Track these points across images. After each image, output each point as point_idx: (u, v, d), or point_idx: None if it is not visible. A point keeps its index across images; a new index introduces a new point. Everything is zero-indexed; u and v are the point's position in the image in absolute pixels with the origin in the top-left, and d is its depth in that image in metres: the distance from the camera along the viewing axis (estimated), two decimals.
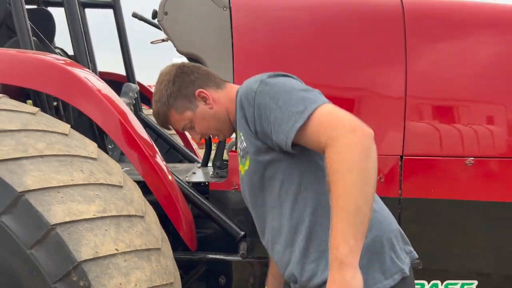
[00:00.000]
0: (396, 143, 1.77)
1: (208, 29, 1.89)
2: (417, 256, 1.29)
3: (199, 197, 1.82)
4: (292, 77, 1.22)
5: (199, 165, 2.43)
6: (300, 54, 1.85)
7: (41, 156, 1.16)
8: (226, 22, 1.85)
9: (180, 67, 1.36)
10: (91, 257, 1.08)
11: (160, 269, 1.28)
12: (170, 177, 1.72)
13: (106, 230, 1.16)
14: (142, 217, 1.33)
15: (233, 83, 1.79)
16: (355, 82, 1.81)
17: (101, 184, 1.25)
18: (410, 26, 1.75)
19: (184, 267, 1.84)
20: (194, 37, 1.90)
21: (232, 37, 1.83)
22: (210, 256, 1.86)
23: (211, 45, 1.89)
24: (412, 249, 1.29)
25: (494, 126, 1.78)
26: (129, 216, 1.26)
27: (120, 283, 1.12)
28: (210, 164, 2.41)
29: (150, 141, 1.75)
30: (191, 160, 2.58)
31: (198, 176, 2.14)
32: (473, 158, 1.75)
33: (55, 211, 1.07)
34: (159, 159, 1.73)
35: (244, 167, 1.30)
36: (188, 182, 1.92)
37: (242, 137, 1.26)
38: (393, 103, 1.77)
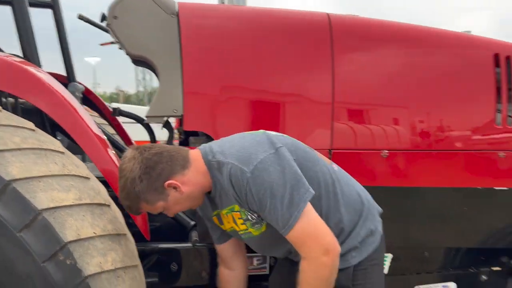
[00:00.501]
0: (325, 139, 2.06)
1: (157, 34, 2.02)
2: None
3: None
4: (281, 161, 1.34)
5: None
6: (242, 62, 2.06)
7: (19, 149, 1.24)
8: (175, 28, 2.00)
9: (143, 162, 1.34)
10: (75, 239, 1.19)
11: (128, 252, 1.41)
12: None
13: (83, 215, 1.27)
14: (109, 206, 1.45)
15: (182, 86, 1.96)
16: (292, 88, 2.06)
17: (73, 175, 1.35)
18: (336, 38, 2.05)
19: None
20: (144, 41, 2.02)
21: (180, 43, 1.99)
22: (162, 245, 1.99)
23: (160, 49, 2.02)
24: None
25: (403, 124, 2.14)
26: (100, 204, 1.38)
27: (100, 262, 1.24)
28: None
29: (104, 136, 1.84)
30: None
31: None
32: (387, 151, 2.09)
33: (40, 198, 1.17)
34: (113, 153, 1.83)
35: (259, 230, 1.47)
36: None
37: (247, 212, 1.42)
38: (323, 105, 2.05)
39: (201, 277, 2.07)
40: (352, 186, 1.62)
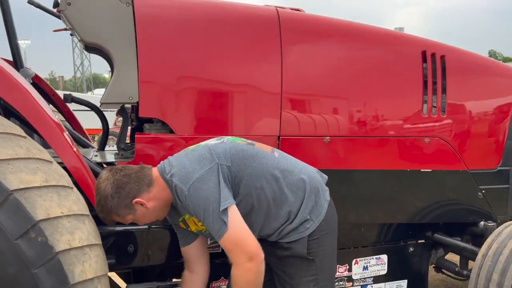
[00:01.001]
0: (274, 126, 2.22)
1: (112, 22, 2.06)
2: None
3: None
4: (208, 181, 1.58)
5: (95, 149, 2.55)
6: (195, 52, 2.15)
7: None
8: (130, 17, 2.06)
9: (114, 183, 1.61)
10: (45, 218, 1.26)
11: (92, 232, 1.50)
12: (81, 156, 1.87)
13: (51, 196, 1.33)
14: (72, 188, 1.51)
15: (138, 73, 2.02)
16: (243, 78, 2.19)
17: (38, 158, 1.40)
18: (284, 32, 2.21)
19: None
20: (98, 28, 2.05)
21: (135, 32, 2.05)
22: (119, 228, 2.06)
23: (115, 37, 2.07)
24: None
25: (343, 113, 2.35)
26: (64, 186, 1.44)
27: (68, 239, 1.32)
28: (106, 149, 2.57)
29: (59, 121, 1.87)
30: (85, 146, 2.67)
31: (103, 157, 2.29)
32: (329, 137, 2.30)
33: (10, 180, 1.22)
34: (69, 138, 1.86)
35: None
36: (97, 163, 2.08)
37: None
38: (273, 96, 2.21)
39: (156, 258, 2.17)
40: (293, 167, 1.81)
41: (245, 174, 1.67)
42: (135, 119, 2.51)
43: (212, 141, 1.77)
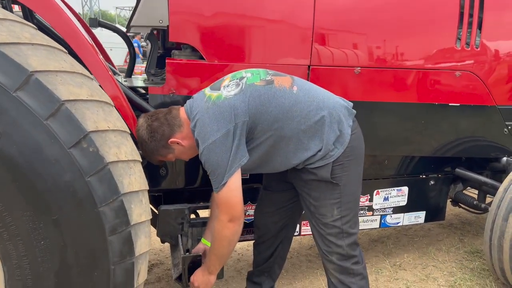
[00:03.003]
0: (305, 56, 2.19)
1: None
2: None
3: (142, 100, 2.01)
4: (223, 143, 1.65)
5: (122, 75, 2.55)
6: None
7: (32, 44, 1.27)
8: None
9: (148, 129, 1.78)
10: (94, 129, 1.29)
11: (134, 149, 1.53)
12: (115, 80, 1.88)
13: (97, 111, 1.35)
14: (113, 106, 1.53)
15: None
16: (274, 6, 2.11)
17: (81, 74, 1.40)
18: None
19: None
20: None
21: None
22: None
23: None
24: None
25: (375, 44, 2.30)
26: (106, 103, 1.46)
27: (116, 152, 1.35)
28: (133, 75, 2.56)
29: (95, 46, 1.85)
30: (113, 73, 2.67)
31: (134, 82, 2.30)
32: (359, 68, 2.27)
33: (61, 90, 1.23)
34: (104, 61, 1.86)
35: None
36: (129, 87, 2.09)
37: None
38: (304, 24, 2.15)
39: (186, 181, 2.25)
40: (311, 102, 1.78)
41: (260, 121, 1.69)
42: (160, 46, 2.49)
43: (232, 91, 1.72)
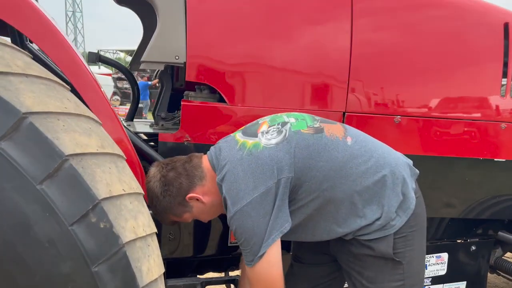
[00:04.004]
0: (340, 101, 1.90)
1: None
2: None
3: (152, 151, 1.65)
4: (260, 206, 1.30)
5: (123, 119, 2.19)
6: (258, 12, 1.81)
7: (26, 75, 0.91)
8: None
9: (161, 180, 1.42)
10: (107, 196, 0.91)
11: (150, 218, 1.15)
12: (123, 125, 1.53)
13: (109, 168, 0.98)
14: (125, 159, 1.16)
15: (186, 28, 1.67)
16: (306, 45, 1.84)
17: (88, 117, 1.05)
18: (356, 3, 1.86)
19: None
20: None
21: None
22: None
23: None
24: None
25: (416, 91, 2.04)
26: (119, 156, 1.09)
27: (133, 227, 0.97)
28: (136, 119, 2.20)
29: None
30: None
31: (137, 127, 1.94)
32: (400, 117, 1.99)
33: (64, 140, 0.86)
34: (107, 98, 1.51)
35: None
36: (135, 133, 1.73)
37: None
38: (340, 67, 1.87)
39: (199, 249, 1.86)
40: (370, 156, 1.44)
41: (307, 178, 1.36)
42: (170, 86, 2.16)
43: (273, 138, 1.38)
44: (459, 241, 2.39)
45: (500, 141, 2.18)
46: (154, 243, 1.10)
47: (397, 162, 1.47)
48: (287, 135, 1.38)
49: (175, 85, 2.10)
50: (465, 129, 2.13)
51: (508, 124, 2.17)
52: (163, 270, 1.14)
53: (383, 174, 1.41)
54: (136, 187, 1.09)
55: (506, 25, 2.12)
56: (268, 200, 1.29)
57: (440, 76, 2.07)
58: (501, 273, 2.60)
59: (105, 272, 0.87)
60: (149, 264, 1.00)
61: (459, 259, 2.36)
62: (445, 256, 2.32)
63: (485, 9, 2.17)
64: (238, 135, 1.45)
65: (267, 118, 1.50)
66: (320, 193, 1.37)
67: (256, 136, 1.39)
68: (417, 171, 1.56)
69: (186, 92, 1.89)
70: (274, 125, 1.43)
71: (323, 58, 1.87)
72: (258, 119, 1.55)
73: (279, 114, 1.54)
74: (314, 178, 1.36)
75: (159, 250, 1.14)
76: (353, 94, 1.91)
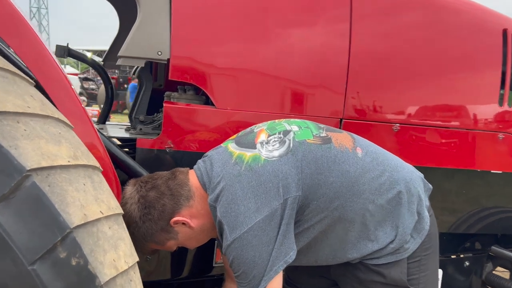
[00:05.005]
0: (337, 107, 1.76)
1: None
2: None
3: (128, 158, 1.43)
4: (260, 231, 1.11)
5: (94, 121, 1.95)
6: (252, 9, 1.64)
7: None
8: None
9: (140, 202, 1.18)
10: (82, 222, 0.70)
11: (131, 244, 0.94)
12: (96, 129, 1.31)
13: (84, 184, 0.77)
14: (101, 171, 0.95)
15: (170, 22, 1.48)
16: (302, 47, 1.70)
17: (57, 119, 0.83)
18: (355, 6, 1.73)
19: None
20: None
21: None
22: None
23: None
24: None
25: (416, 99, 1.92)
26: (95, 168, 0.88)
27: (113, 259, 0.76)
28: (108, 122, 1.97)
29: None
30: None
31: (110, 131, 1.71)
32: (398, 125, 1.86)
33: (25, 150, 0.65)
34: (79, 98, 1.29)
35: None
36: (110, 138, 1.51)
37: None
38: (337, 71, 1.74)
39: (179, 271, 1.65)
40: (384, 167, 1.28)
41: (316, 196, 1.18)
42: (150, 85, 1.95)
43: (276, 150, 1.19)
44: (453, 256, 2.28)
45: (496, 151, 2.09)
46: (136, 275, 0.90)
47: (411, 177, 1.31)
48: (291, 146, 1.19)
49: (153, 85, 1.90)
50: (461, 139, 2.03)
51: (505, 134, 2.09)
52: None
53: (398, 190, 1.25)
54: (115, 206, 0.88)
55: (504, 32, 2.04)
56: (273, 224, 1.10)
57: (438, 83, 1.97)
58: None
59: None
60: None
61: (453, 276, 2.26)
62: (439, 273, 2.20)
63: (485, 14, 2.08)
64: (231, 145, 1.25)
65: (264, 126, 1.31)
66: (328, 213, 1.20)
67: (255, 148, 1.20)
68: (430, 186, 1.41)
69: (167, 93, 1.70)
70: (275, 134, 1.24)
71: (321, 61, 1.72)
72: (252, 127, 1.36)
73: (277, 120, 1.36)
74: (323, 196, 1.18)
75: (141, 284, 0.94)
76: (351, 100, 1.77)
